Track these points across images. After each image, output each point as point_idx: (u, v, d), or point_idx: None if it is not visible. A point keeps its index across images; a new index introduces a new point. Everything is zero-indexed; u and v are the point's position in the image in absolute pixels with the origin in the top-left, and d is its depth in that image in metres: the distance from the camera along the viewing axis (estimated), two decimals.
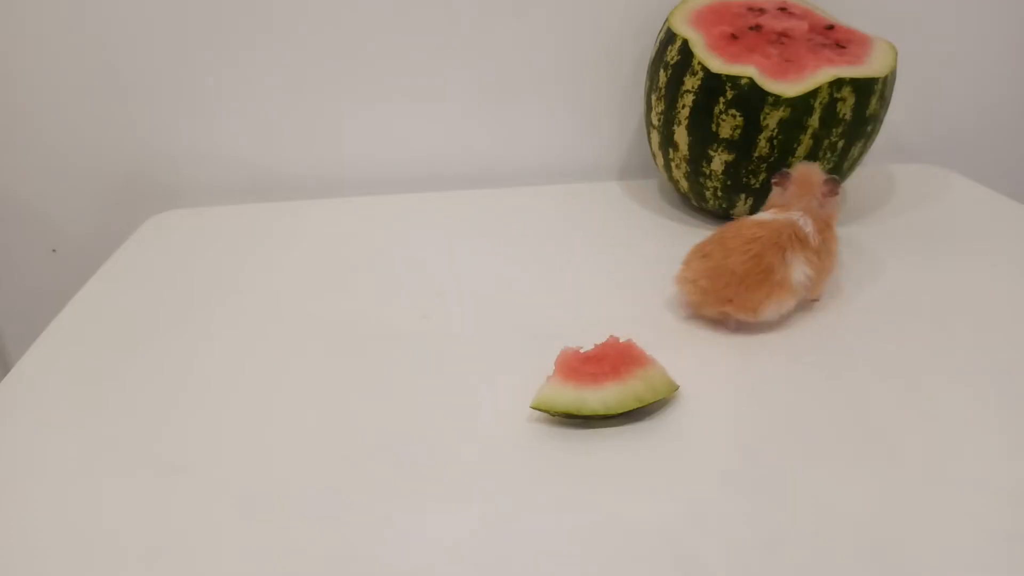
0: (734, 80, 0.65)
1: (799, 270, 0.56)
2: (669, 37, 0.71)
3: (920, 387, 0.51)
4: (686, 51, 0.68)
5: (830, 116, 0.65)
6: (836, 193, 0.59)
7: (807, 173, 0.60)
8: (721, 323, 0.59)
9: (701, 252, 0.58)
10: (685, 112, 0.69)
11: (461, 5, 0.80)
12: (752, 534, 0.40)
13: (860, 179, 0.85)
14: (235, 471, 0.46)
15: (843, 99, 0.64)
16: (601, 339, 0.52)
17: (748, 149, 0.67)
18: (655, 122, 0.74)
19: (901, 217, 0.76)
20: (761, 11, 0.71)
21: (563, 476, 0.44)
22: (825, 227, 0.59)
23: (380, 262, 0.70)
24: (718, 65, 0.66)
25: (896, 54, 0.68)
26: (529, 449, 0.47)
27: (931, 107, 0.92)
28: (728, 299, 0.56)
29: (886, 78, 0.66)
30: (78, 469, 0.46)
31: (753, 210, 0.72)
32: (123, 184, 0.86)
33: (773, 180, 0.61)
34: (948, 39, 0.88)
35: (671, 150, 0.73)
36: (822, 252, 0.58)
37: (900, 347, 0.55)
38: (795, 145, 0.66)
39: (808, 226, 0.57)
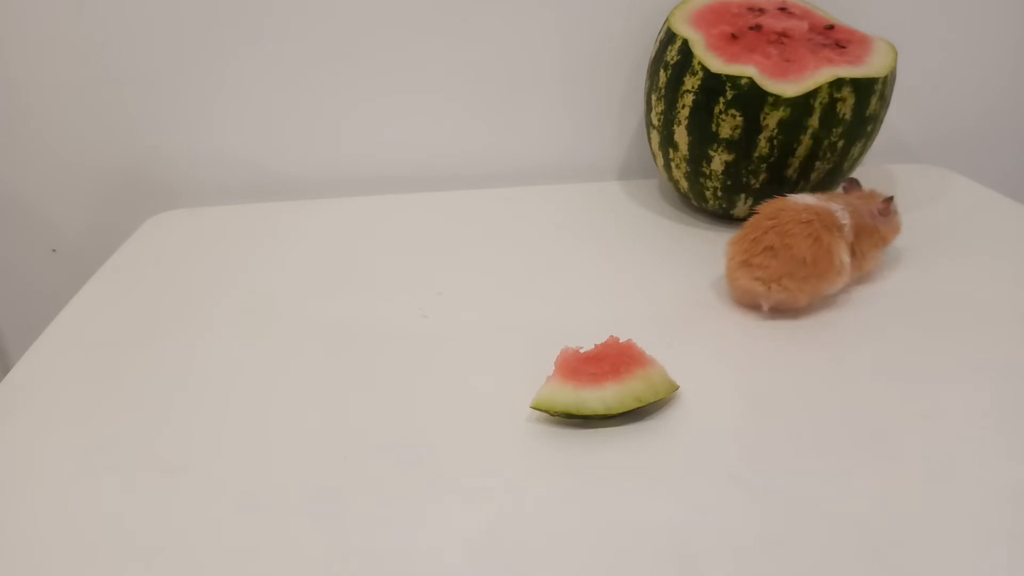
0: (734, 80, 0.65)
1: (844, 254, 0.58)
2: (669, 37, 0.71)
3: (920, 387, 0.51)
4: (686, 51, 0.68)
5: (830, 116, 0.65)
6: (888, 213, 0.62)
7: (872, 194, 0.64)
8: (799, 311, 0.60)
9: (760, 245, 0.58)
10: (685, 112, 0.69)
11: (462, 6, 0.80)
12: (752, 534, 0.40)
13: (860, 179, 0.85)
14: (235, 470, 0.46)
15: (843, 99, 0.64)
16: (601, 339, 0.52)
17: (748, 149, 0.67)
18: (655, 122, 0.74)
19: (901, 217, 0.76)
20: (761, 11, 0.71)
21: (563, 476, 0.44)
22: (866, 235, 0.61)
23: (380, 262, 0.70)
24: (718, 65, 0.66)
25: (896, 54, 0.68)
26: (529, 449, 0.47)
27: (931, 107, 0.92)
28: (810, 292, 0.58)
29: (886, 78, 0.66)
30: (78, 469, 0.46)
31: (753, 210, 0.72)
32: (123, 184, 0.86)
33: (843, 185, 0.66)
34: (948, 39, 0.88)
35: (671, 150, 0.73)
36: (855, 250, 0.60)
37: (900, 347, 0.55)
38: (795, 145, 0.66)
39: (845, 219, 0.59)
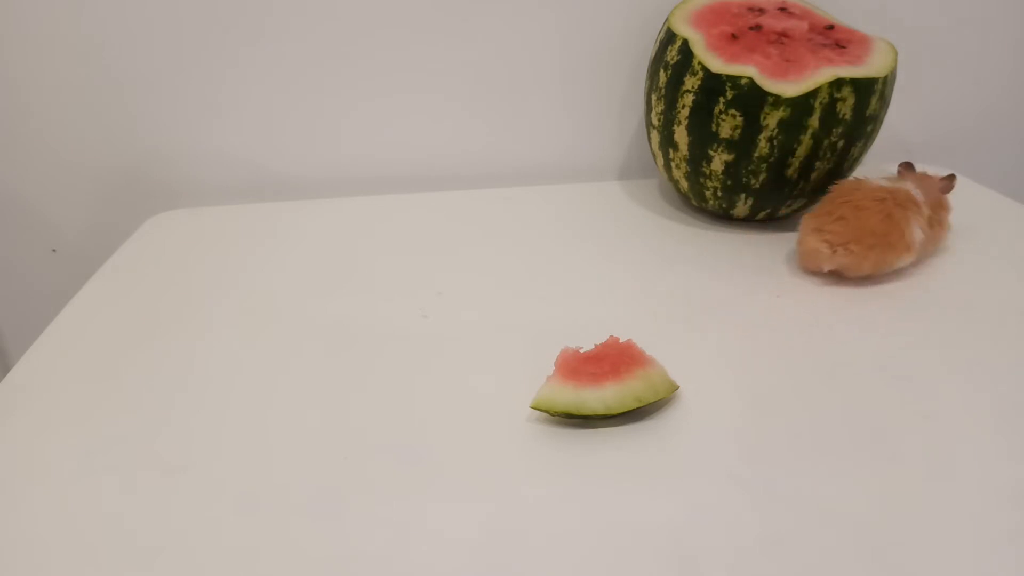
0: (734, 80, 0.65)
1: (917, 230, 0.62)
2: (669, 37, 0.71)
3: (920, 387, 0.51)
4: (686, 51, 0.68)
5: (830, 116, 0.65)
6: (949, 190, 0.66)
7: (926, 176, 0.67)
8: (840, 276, 0.64)
9: (833, 216, 0.62)
10: (685, 112, 0.69)
11: (462, 6, 0.80)
12: (752, 534, 0.40)
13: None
14: (235, 470, 0.46)
15: (843, 99, 0.64)
16: (601, 339, 0.52)
17: (748, 149, 0.67)
18: (655, 122, 0.74)
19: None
20: (761, 11, 0.71)
21: (563, 476, 0.44)
22: (940, 207, 0.65)
23: (380, 262, 0.70)
24: (718, 65, 0.66)
25: (896, 54, 0.68)
26: (529, 449, 0.47)
27: (931, 107, 0.92)
28: (875, 260, 0.61)
29: (886, 78, 0.66)
30: (78, 469, 0.46)
31: (753, 210, 0.73)
32: (123, 184, 0.86)
33: (899, 167, 0.69)
34: (948, 39, 0.88)
35: (671, 150, 0.73)
36: (933, 222, 0.64)
37: (900, 346, 0.55)
38: (795, 145, 0.66)
39: (920, 195, 0.62)
